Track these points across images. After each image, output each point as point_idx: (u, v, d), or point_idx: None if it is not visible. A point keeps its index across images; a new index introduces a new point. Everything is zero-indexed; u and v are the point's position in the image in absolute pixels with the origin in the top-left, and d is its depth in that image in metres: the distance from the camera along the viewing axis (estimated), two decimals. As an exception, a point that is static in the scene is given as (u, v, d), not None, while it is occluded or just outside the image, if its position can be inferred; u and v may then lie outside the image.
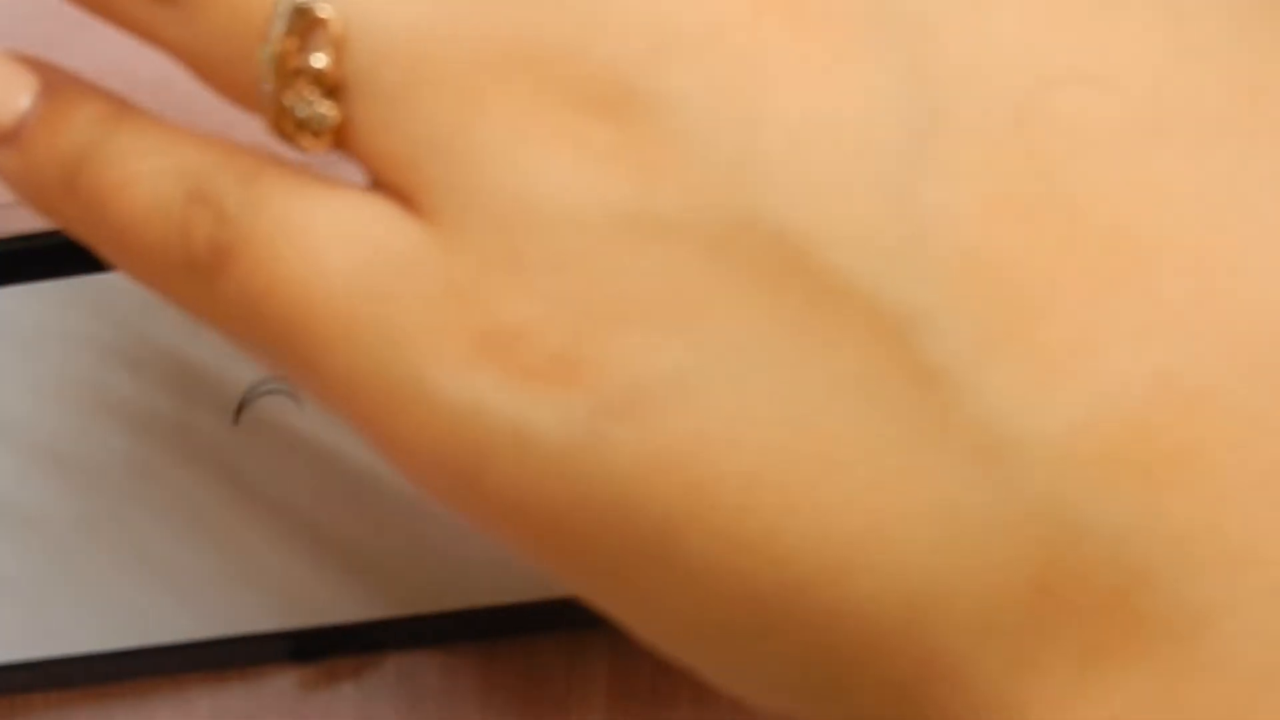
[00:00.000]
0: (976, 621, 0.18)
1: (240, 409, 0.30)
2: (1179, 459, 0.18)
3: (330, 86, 0.20)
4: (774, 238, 0.18)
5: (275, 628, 0.30)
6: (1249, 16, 0.19)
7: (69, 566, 0.30)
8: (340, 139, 0.21)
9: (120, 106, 0.23)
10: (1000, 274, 0.18)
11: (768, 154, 0.18)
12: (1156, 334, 0.18)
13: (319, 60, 0.20)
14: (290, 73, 0.20)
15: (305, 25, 0.20)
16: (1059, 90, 0.18)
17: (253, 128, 0.22)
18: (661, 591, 0.19)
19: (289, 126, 0.21)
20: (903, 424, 0.18)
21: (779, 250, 0.18)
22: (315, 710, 0.31)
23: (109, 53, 0.26)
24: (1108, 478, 0.18)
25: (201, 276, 0.21)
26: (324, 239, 0.20)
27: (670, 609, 0.20)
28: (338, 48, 0.20)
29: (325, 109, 0.20)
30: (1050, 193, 0.18)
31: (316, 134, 0.21)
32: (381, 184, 0.20)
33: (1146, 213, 0.18)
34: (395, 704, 0.31)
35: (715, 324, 0.19)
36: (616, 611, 0.20)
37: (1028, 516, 0.18)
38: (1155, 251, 0.18)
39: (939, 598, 0.18)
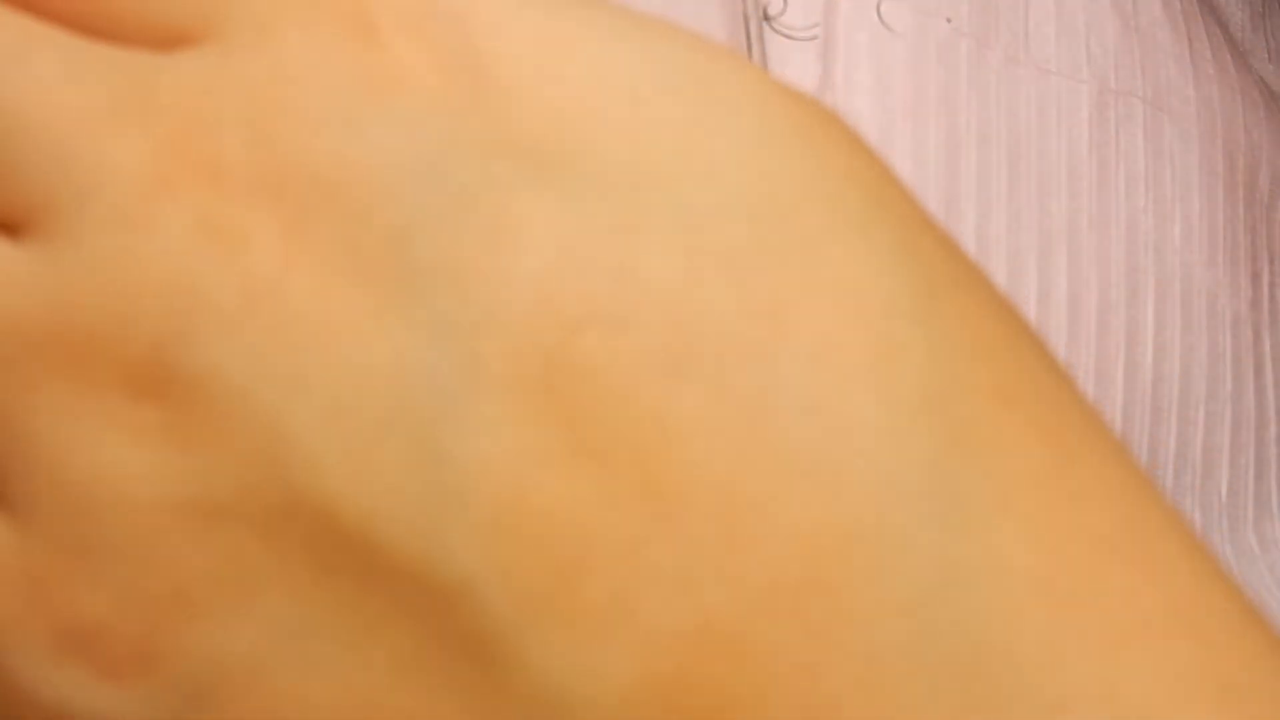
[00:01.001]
0: None
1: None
2: (723, 710, 0.18)
3: None
4: (321, 513, 0.18)
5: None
6: (769, 222, 0.19)
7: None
8: None
9: None
10: (537, 532, 0.18)
11: (304, 425, 0.18)
12: (693, 582, 0.18)
13: None
14: None
15: None
16: (580, 335, 0.18)
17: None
18: None
19: None
20: (462, 697, 0.18)
21: (327, 525, 0.18)
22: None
23: None
24: None
25: None
26: None
27: None
28: None
29: None
30: (581, 443, 0.18)
31: None
32: None
33: (673, 455, 0.18)
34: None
35: (277, 607, 0.18)
36: None
37: None
38: (685, 495, 0.18)
39: None
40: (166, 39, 0.20)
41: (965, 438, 0.19)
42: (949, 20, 0.41)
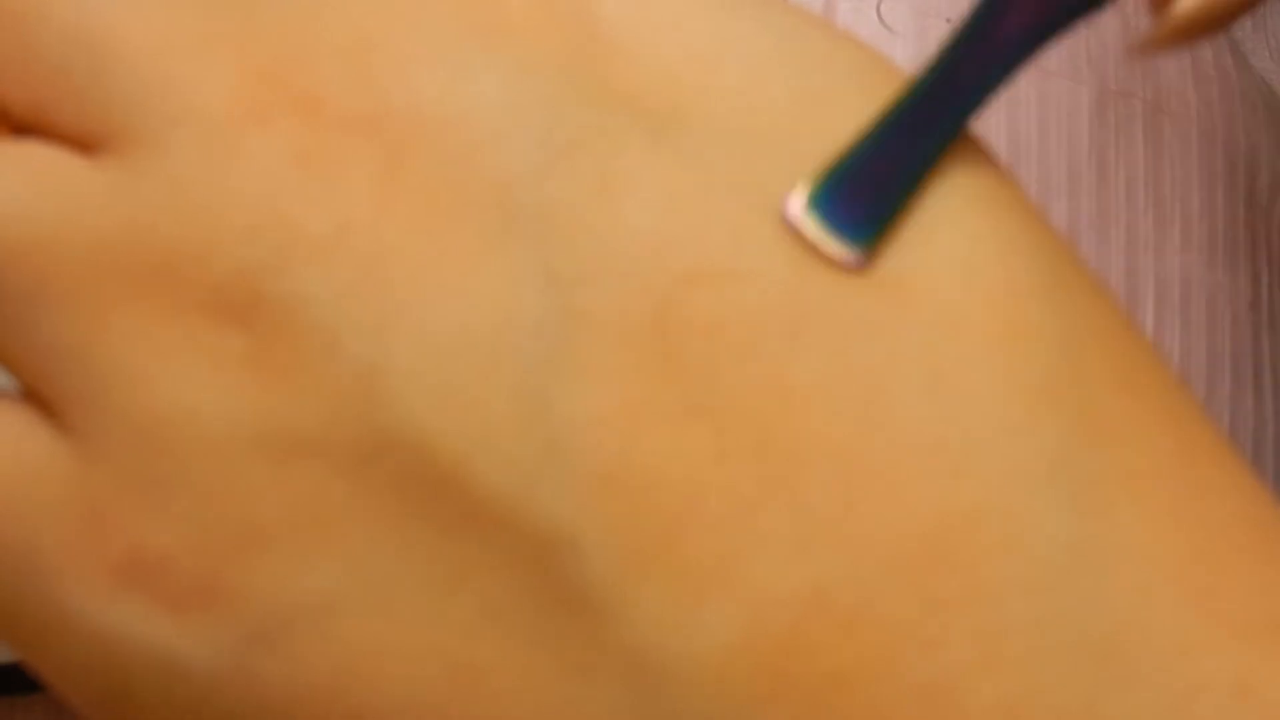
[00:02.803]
0: None
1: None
2: (836, 679, 0.17)
3: None
4: (412, 455, 0.17)
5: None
6: None
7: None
8: None
9: None
10: (644, 487, 0.17)
11: (399, 365, 0.17)
12: (807, 547, 0.17)
13: None
14: None
15: None
16: (694, 287, 0.18)
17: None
18: None
19: None
20: (555, 652, 0.17)
21: (419, 468, 0.17)
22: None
23: None
24: (765, 700, 0.17)
25: None
26: None
27: None
28: None
29: None
30: (692, 399, 0.17)
31: None
32: (28, 390, 0.19)
33: (791, 419, 0.17)
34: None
35: (359, 547, 0.18)
36: None
37: None
38: (802, 460, 0.17)
39: None
40: None
41: (1091, 423, 0.18)
42: (949, 20, 0.41)
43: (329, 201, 0.18)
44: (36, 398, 0.19)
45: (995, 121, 0.40)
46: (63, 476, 0.18)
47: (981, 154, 0.19)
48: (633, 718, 0.17)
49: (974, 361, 0.18)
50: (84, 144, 0.19)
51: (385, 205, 0.18)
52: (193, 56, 0.18)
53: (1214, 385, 0.41)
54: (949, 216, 0.19)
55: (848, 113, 0.19)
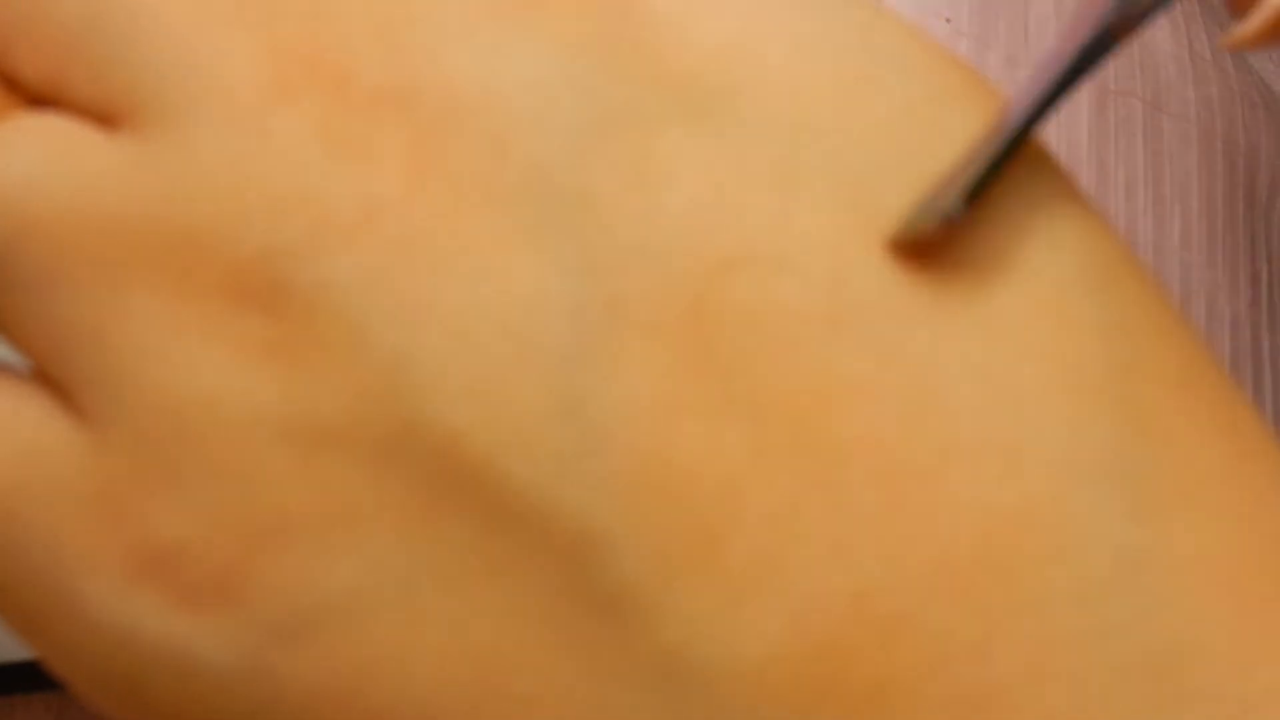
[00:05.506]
0: None
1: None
2: (877, 688, 0.17)
3: None
4: (441, 448, 0.17)
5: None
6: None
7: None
8: None
9: None
10: (681, 485, 0.17)
11: (428, 353, 0.17)
12: (848, 550, 0.17)
13: None
14: None
15: None
16: (734, 275, 0.17)
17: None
18: None
19: None
20: (586, 655, 0.17)
21: (447, 461, 0.17)
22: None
23: None
24: (804, 711, 0.17)
25: None
26: None
27: None
28: None
29: None
30: (731, 392, 0.17)
31: None
32: (41, 373, 0.18)
33: (833, 414, 0.17)
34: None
35: (385, 543, 0.17)
36: None
37: None
38: (844, 458, 0.17)
39: None
40: None
41: (1146, 422, 0.18)
42: (948, 20, 0.41)
43: (358, 183, 0.17)
44: (49, 381, 0.18)
45: (995, 121, 0.40)
46: (77, 462, 0.18)
47: (1034, 149, 0.19)
48: None
49: (1025, 356, 0.17)
50: (103, 118, 0.18)
51: (416, 188, 0.17)
52: (219, 29, 0.18)
53: (1214, 385, 0.41)
54: (998, 211, 0.18)
55: (897, 104, 0.18)
